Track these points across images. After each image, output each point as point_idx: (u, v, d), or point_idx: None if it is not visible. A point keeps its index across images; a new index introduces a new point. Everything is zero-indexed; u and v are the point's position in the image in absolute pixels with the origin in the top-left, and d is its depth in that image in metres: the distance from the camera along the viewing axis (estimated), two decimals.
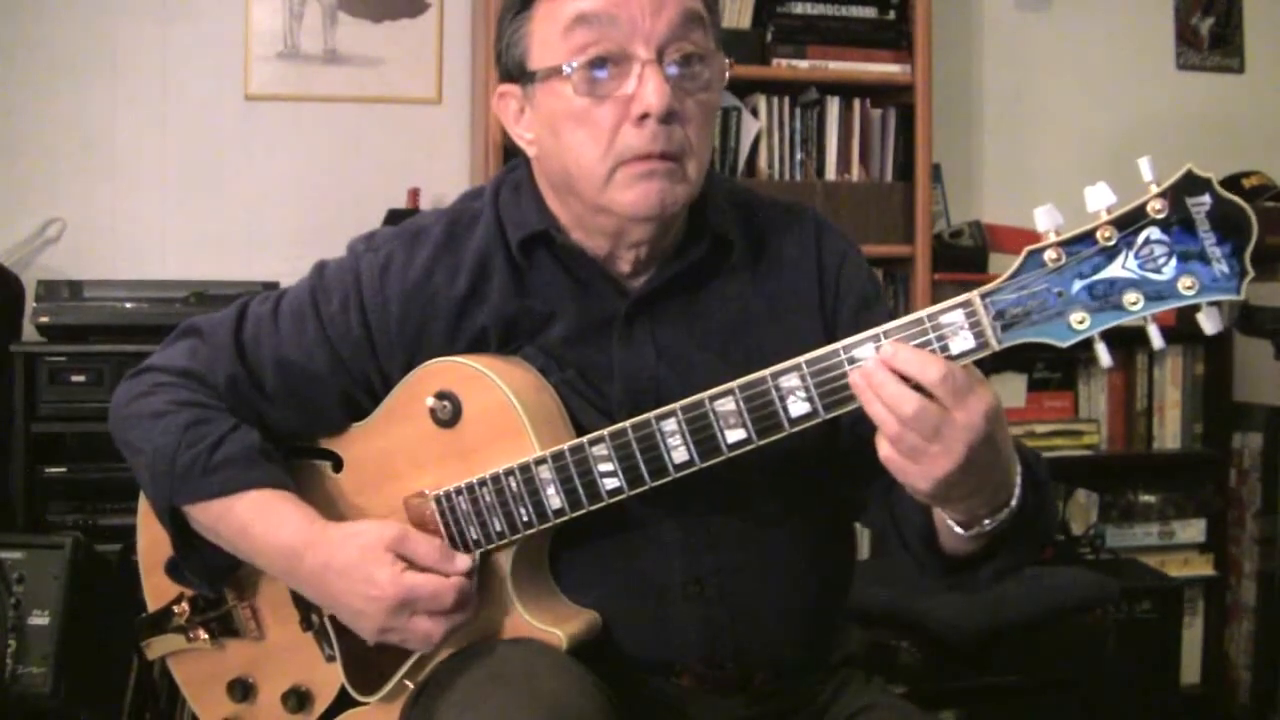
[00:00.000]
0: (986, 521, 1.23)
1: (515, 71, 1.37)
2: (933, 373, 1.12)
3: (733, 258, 1.43)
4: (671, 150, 1.31)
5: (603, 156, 1.31)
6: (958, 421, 1.12)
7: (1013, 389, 3.25)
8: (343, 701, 1.46)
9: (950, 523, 1.25)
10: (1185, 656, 3.25)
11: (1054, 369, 3.30)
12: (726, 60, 1.37)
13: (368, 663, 1.43)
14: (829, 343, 1.39)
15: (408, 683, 1.42)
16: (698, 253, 1.41)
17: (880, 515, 1.43)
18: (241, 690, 1.53)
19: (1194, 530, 3.40)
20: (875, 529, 1.47)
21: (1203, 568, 3.42)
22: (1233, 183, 3.23)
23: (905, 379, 1.13)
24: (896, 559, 1.42)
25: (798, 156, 3.12)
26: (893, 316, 1.48)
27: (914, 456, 1.14)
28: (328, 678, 1.47)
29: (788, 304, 1.43)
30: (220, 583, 1.50)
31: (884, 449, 1.15)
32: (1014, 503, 1.23)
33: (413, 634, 1.33)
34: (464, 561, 1.34)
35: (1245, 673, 3.38)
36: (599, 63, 1.30)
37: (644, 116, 1.29)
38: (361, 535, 1.34)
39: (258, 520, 1.39)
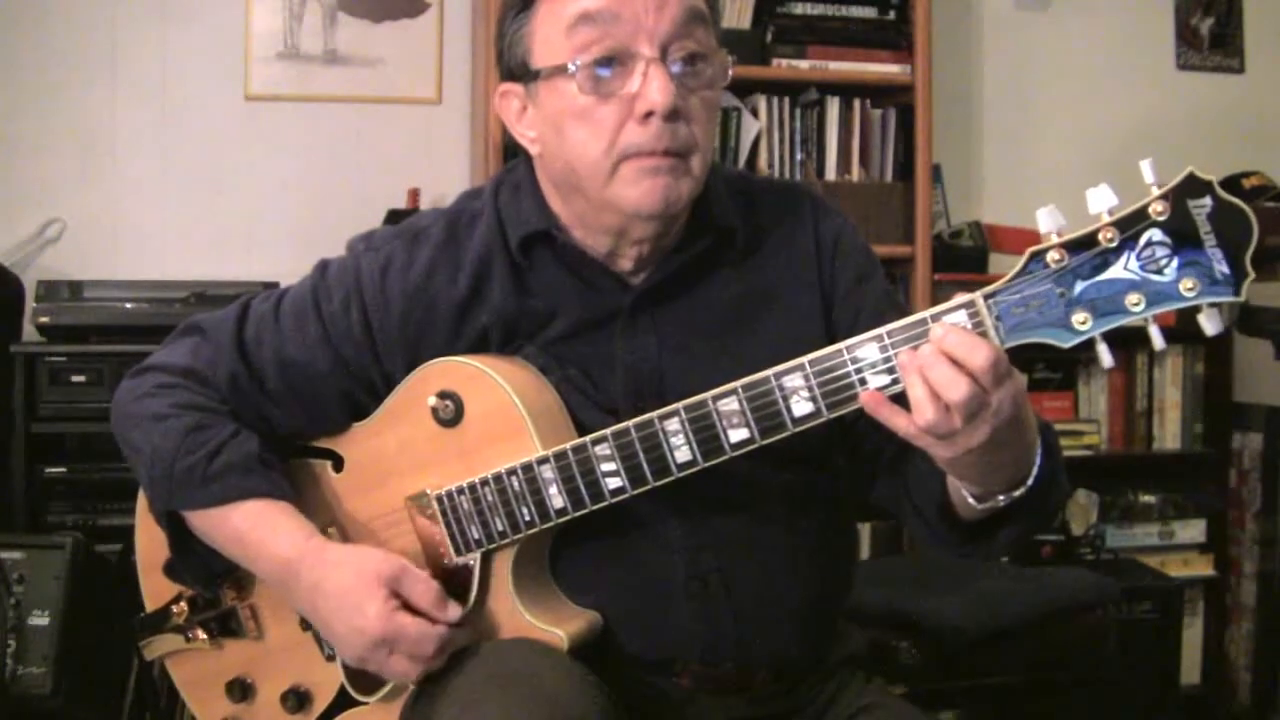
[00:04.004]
0: (1001, 497, 1.25)
1: (518, 70, 1.37)
2: (980, 358, 1.12)
3: (735, 248, 1.43)
4: (676, 147, 1.31)
5: (606, 152, 1.31)
6: (990, 404, 1.13)
7: None
8: (342, 701, 1.46)
9: (965, 493, 1.26)
10: (1185, 657, 3.24)
11: (1054, 369, 3.30)
12: (729, 58, 1.37)
13: None
14: (827, 319, 1.40)
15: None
16: (700, 247, 1.41)
17: (891, 485, 1.43)
18: (240, 690, 1.53)
19: (1194, 530, 3.40)
20: (884, 501, 1.46)
21: (1203, 568, 3.41)
22: (1233, 183, 3.22)
23: (953, 362, 1.13)
24: (908, 528, 1.42)
25: (798, 157, 3.12)
26: (894, 297, 1.49)
27: (945, 435, 1.15)
28: (327, 677, 1.47)
29: (788, 285, 1.44)
30: (217, 585, 1.50)
31: (919, 426, 1.15)
32: (1030, 481, 1.24)
33: (390, 670, 1.34)
34: (455, 612, 1.34)
35: (1245, 673, 3.38)
36: (603, 61, 1.30)
37: (649, 114, 1.29)
38: (358, 563, 1.34)
39: (253, 530, 1.39)
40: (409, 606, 1.33)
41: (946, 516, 1.34)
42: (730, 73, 1.37)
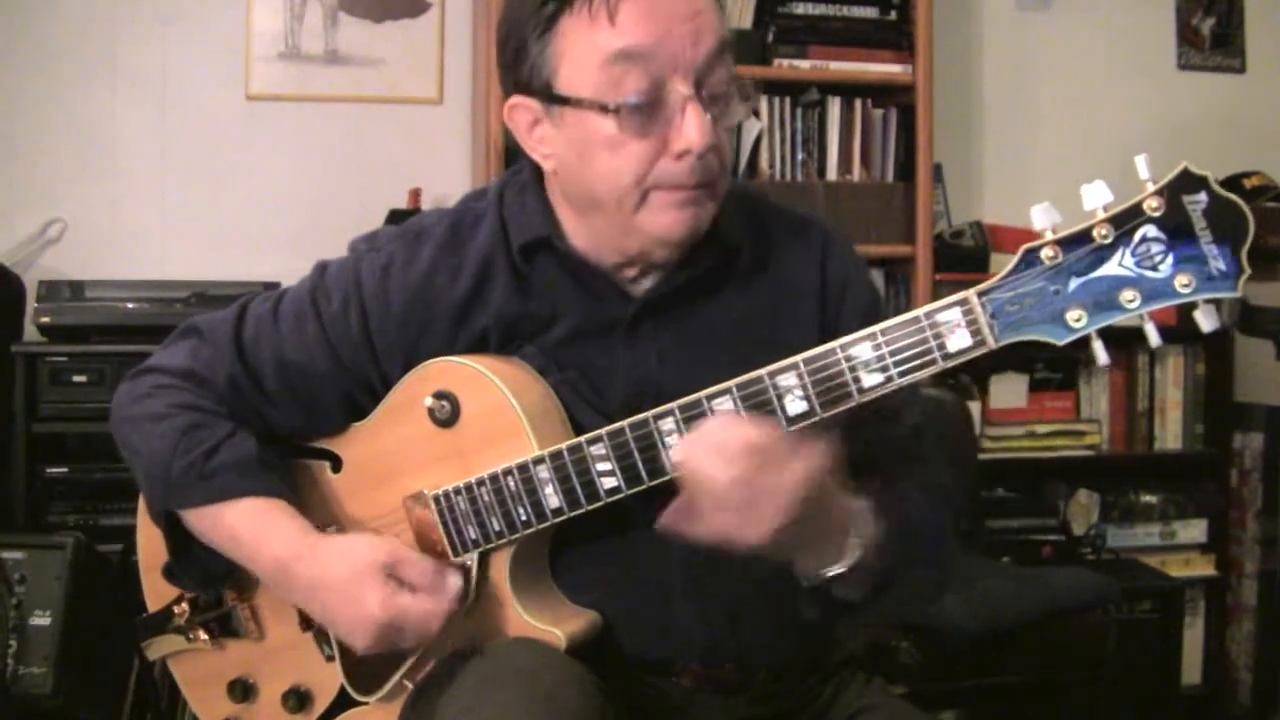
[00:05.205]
0: (816, 575, 1.26)
1: (539, 90, 1.32)
2: (748, 440, 1.15)
3: (739, 267, 1.42)
4: (707, 180, 1.30)
5: (637, 183, 1.29)
6: (784, 481, 1.15)
7: (1014, 389, 3.25)
8: (343, 701, 1.46)
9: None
10: (1186, 657, 3.24)
11: (1055, 369, 3.30)
12: (750, 83, 1.34)
13: (367, 663, 1.43)
14: None
15: (407, 683, 1.41)
16: (705, 263, 1.40)
17: None
18: (242, 690, 1.53)
19: (1195, 530, 3.40)
20: None
21: (1204, 568, 3.41)
22: (1234, 183, 3.22)
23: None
24: None
25: (799, 157, 3.12)
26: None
27: (742, 515, 1.17)
28: (327, 678, 1.47)
29: (789, 315, 1.42)
30: (215, 587, 1.50)
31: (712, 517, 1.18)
32: (846, 558, 1.25)
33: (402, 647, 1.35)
34: (455, 585, 1.34)
35: (1246, 673, 3.38)
36: (641, 99, 1.26)
37: (684, 152, 1.27)
38: (354, 553, 1.34)
39: (249, 530, 1.39)
40: (410, 588, 1.33)
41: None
42: (752, 102, 1.35)
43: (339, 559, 1.34)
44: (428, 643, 1.35)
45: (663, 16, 1.26)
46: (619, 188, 1.30)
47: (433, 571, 1.34)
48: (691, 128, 1.27)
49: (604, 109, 1.28)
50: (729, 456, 1.16)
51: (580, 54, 1.29)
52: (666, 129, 1.28)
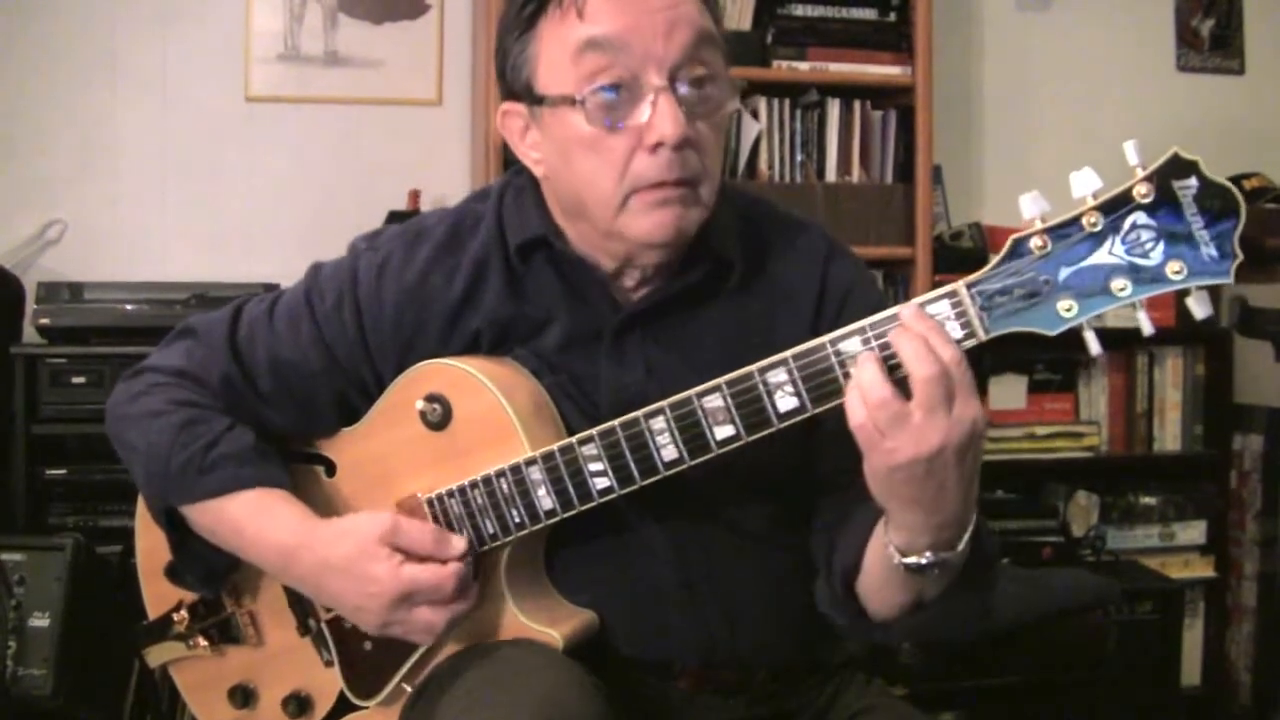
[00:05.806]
0: (928, 554, 1.19)
1: (522, 92, 1.34)
2: (949, 352, 1.11)
3: (734, 278, 1.41)
4: (686, 176, 1.29)
5: (616, 184, 1.29)
6: (954, 411, 1.11)
7: (1013, 390, 3.24)
8: (342, 706, 1.46)
9: (891, 548, 1.21)
10: (1186, 658, 3.24)
11: (1054, 370, 3.30)
12: (740, 83, 1.34)
13: (366, 667, 1.43)
14: None
15: (405, 686, 1.42)
16: (695, 276, 1.39)
17: (821, 537, 1.39)
18: (242, 696, 1.53)
19: (1195, 532, 3.40)
20: (812, 551, 1.42)
21: (1203, 569, 3.41)
22: (1233, 184, 3.22)
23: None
24: (819, 571, 1.39)
25: (798, 158, 3.12)
26: None
27: (892, 429, 1.12)
28: (327, 683, 1.47)
29: (784, 325, 1.40)
30: (218, 584, 1.50)
31: (858, 416, 1.13)
32: (960, 546, 1.20)
33: (415, 625, 1.32)
34: (459, 544, 1.33)
35: (1246, 674, 3.38)
36: (611, 91, 1.27)
37: (658, 145, 1.27)
38: (354, 531, 1.34)
39: (252, 520, 1.39)
40: (414, 557, 1.31)
41: (850, 588, 1.32)
42: (739, 98, 1.35)
43: (341, 538, 1.34)
44: (444, 613, 1.32)
45: (632, 9, 1.26)
46: (600, 189, 1.30)
47: (434, 535, 1.33)
48: (664, 119, 1.26)
49: (573, 102, 1.27)
50: (947, 338, 1.12)
51: (553, 52, 1.29)
52: (640, 123, 1.27)
